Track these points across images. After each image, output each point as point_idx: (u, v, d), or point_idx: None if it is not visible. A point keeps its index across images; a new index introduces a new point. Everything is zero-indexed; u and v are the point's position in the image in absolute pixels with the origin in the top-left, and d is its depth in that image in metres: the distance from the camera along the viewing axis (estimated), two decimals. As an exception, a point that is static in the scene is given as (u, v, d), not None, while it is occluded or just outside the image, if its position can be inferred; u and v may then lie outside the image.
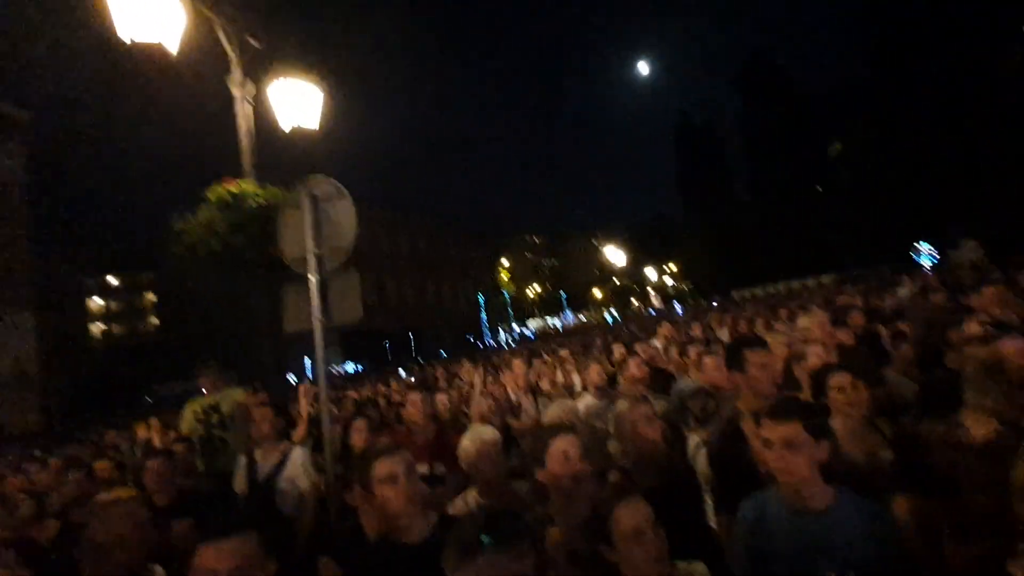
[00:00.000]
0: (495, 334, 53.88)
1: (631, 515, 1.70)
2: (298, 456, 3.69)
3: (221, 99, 4.87)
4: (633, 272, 62.42)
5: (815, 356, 3.48)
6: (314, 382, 3.93)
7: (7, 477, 5.52)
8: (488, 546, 1.23)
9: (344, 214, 3.89)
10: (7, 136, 22.16)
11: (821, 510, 1.77)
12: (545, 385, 5.20)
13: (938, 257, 19.38)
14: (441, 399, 4.24)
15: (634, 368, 4.45)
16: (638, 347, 6.18)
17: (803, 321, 4.29)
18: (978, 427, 2.30)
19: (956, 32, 44.36)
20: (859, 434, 2.61)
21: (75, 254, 40.90)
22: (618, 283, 45.84)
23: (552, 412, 3.13)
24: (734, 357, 2.76)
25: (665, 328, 6.61)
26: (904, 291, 8.34)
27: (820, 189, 56.82)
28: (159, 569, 1.97)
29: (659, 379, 5.01)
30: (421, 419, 3.57)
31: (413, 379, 8.27)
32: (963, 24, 43.86)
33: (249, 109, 4.72)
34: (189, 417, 4.64)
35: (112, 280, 51.87)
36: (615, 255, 45.44)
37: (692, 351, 4.58)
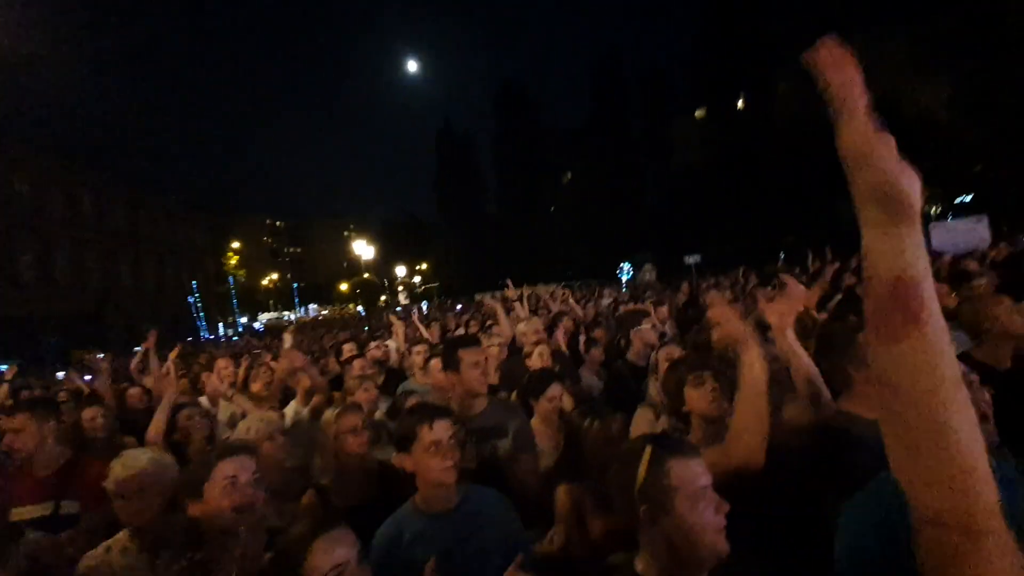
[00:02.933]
0: (214, 326, 46.43)
1: (330, 550, 1.40)
2: None
3: None
4: (382, 268, 61.88)
5: (538, 357, 3.78)
6: None
7: None
8: None
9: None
10: None
11: (452, 508, 1.90)
12: (256, 390, 4.44)
13: (631, 275, 24.48)
14: (90, 414, 3.19)
15: (358, 369, 4.19)
16: (371, 347, 5.91)
17: (521, 327, 4.60)
18: (640, 420, 2.72)
19: (649, 100, 57.21)
20: (551, 431, 2.85)
21: None
22: (364, 278, 44.58)
23: (243, 427, 2.59)
24: (450, 357, 2.72)
25: (399, 327, 6.44)
26: (605, 302, 9.97)
27: (553, 210, 65.96)
28: None
29: (392, 379, 4.84)
30: (33, 445, 2.59)
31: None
32: (654, 94, 56.86)
33: None
34: None
35: None
36: (364, 249, 44.16)
37: (415, 352, 4.49)
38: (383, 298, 53.03)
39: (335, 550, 1.41)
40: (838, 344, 2.00)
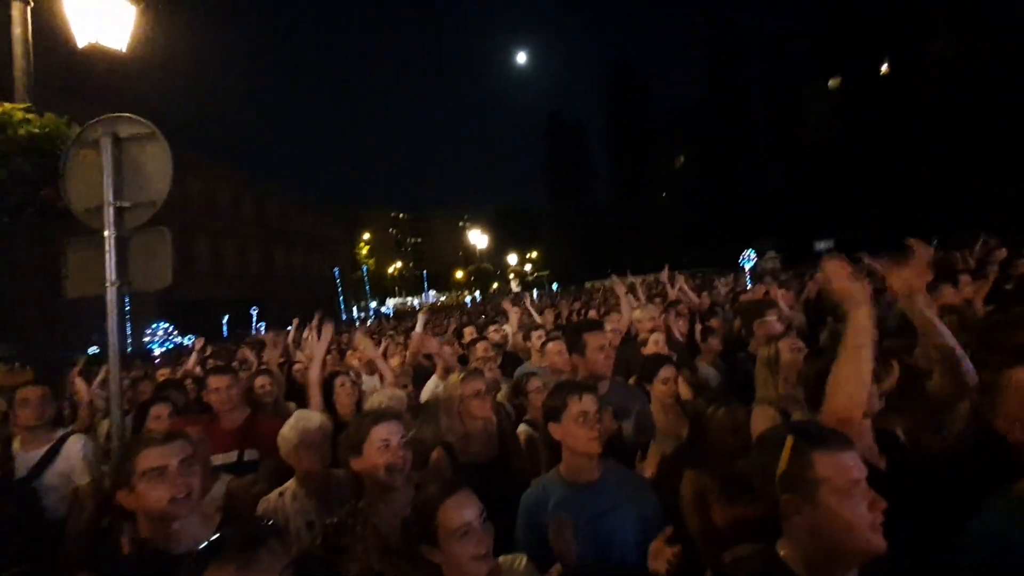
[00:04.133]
0: (350, 310, 51.23)
1: (458, 510, 1.59)
2: (76, 447, 3.06)
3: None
4: (495, 256, 63.69)
5: (653, 344, 3.79)
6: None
7: None
8: (214, 565, 1.14)
9: (156, 161, 3.28)
10: None
11: (594, 480, 1.98)
12: (394, 364, 4.99)
13: (754, 263, 22.75)
14: (261, 382, 3.82)
15: (481, 351, 4.46)
16: (490, 330, 6.26)
17: (637, 313, 4.61)
18: (760, 418, 2.63)
19: (773, 72, 52.06)
20: (670, 416, 2.90)
21: None
22: (480, 266, 46.16)
23: (375, 399, 2.95)
24: (574, 340, 2.88)
25: (516, 313, 6.72)
26: (722, 291, 9.52)
27: (665, 196, 63.38)
28: None
29: (508, 362, 5.11)
30: (226, 403, 3.17)
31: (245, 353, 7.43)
32: (779, 64, 51.56)
33: (27, 12, 3.77)
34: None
35: None
36: (479, 238, 45.64)
37: (535, 336, 4.68)
38: (495, 285, 54.62)
39: (462, 512, 1.58)
40: (995, 336, 1.83)
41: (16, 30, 3.78)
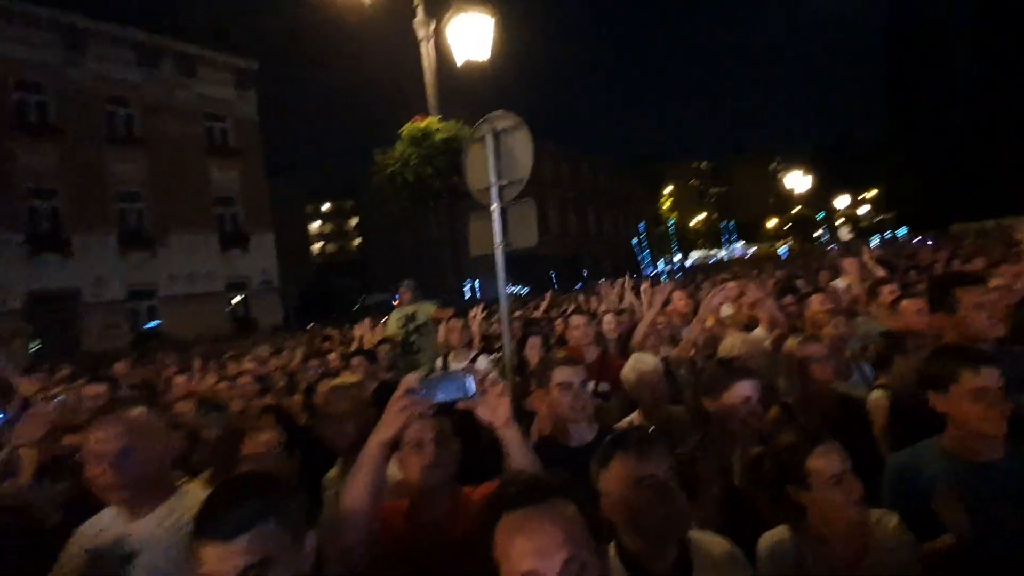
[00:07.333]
0: (656, 264, 52.34)
1: (830, 458, 1.59)
2: (483, 363, 4.27)
3: (410, 41, 5.30)
4: (817, 200, 54.53)
5: None
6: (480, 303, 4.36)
7: (268, 360, 7.14)
8: (619, 452, 1.42)
9: (521, 145, 4.05)
10: (244, 85, 26.62)
11: (991, 461, 1.74)
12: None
13: None
14: (608, 319, 4.46)
15: (816, 305, 4.15)
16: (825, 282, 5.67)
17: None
18: None
19: None
20: None
21: (298, 184, 48.84)
22: (798, 212, 39.89)
23: (728, 344, 3.13)
24: (941, 296, 2.50)
25: (850, 265, 5.88)
26: None
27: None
28: None
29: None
30: (585, 340, 3.84)
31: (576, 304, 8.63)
32: None
33: (432, 48, 5.07)
34: (394, 323, 5.58)
35: (326, 206, 60.81)
36: (798, 180, 39.32)
37: (885, 292, 4.12)
38: (818, 233, 47.03)
39: (833, 460, 1.57)
40: None
41: (426, 62, 5.17)
